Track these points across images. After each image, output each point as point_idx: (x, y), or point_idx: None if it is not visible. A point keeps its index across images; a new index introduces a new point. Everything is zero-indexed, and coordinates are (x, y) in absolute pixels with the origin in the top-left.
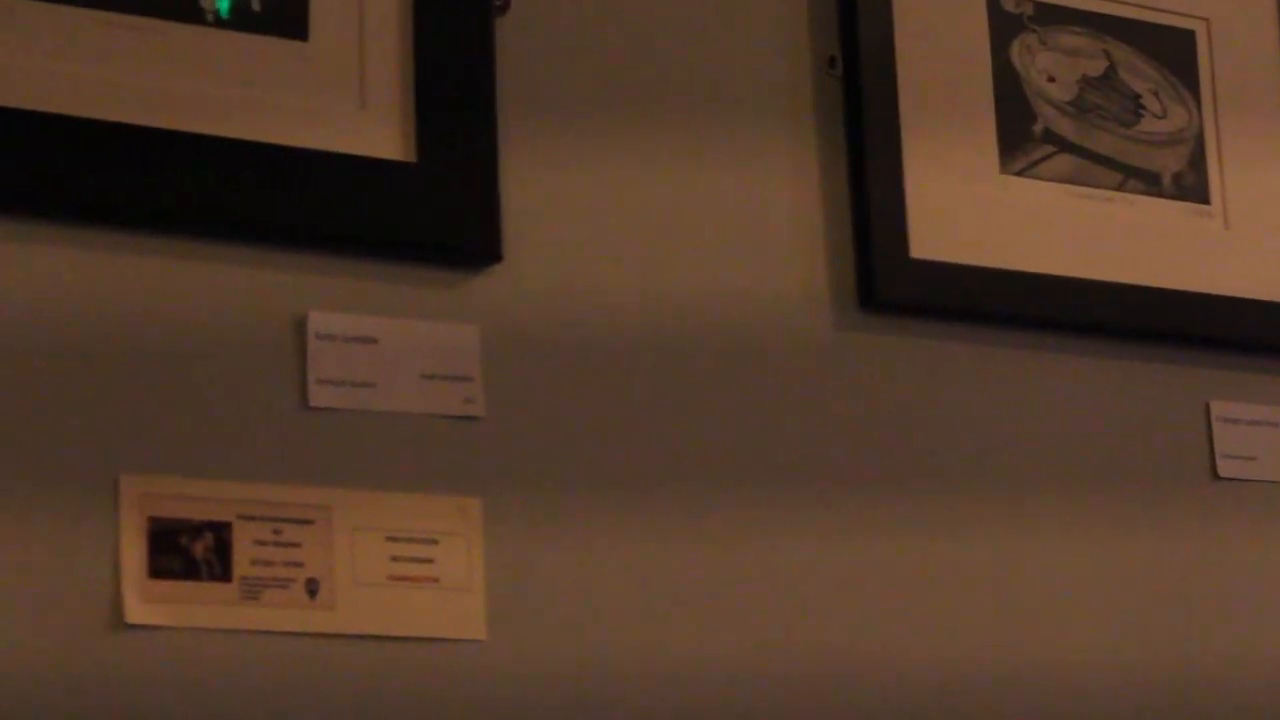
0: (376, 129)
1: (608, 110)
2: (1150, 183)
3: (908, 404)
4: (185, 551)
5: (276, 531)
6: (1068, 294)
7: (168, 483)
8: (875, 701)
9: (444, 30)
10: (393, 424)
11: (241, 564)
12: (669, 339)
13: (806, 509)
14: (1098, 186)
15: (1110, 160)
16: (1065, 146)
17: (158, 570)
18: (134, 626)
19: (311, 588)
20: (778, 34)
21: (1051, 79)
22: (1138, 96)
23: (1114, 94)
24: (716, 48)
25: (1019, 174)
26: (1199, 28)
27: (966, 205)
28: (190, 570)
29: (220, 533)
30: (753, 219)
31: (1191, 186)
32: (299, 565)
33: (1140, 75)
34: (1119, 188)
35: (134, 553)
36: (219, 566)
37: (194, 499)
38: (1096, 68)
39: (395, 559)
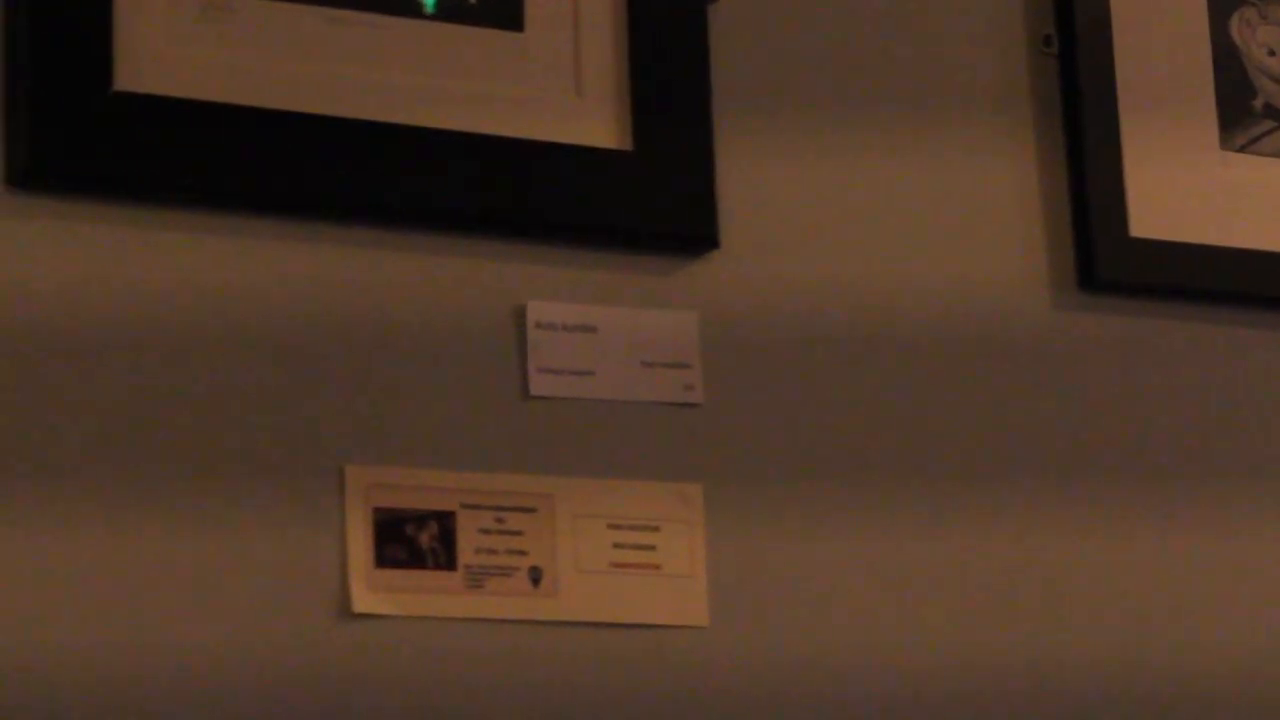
0: (592, 118)
1: (821, 95)
2: None
3: (1129, 384)
4: (411, 541)
5: (500, 520)
6: None
7: (392, 473)
8: (1117, 696)
9: (658, 18)
10: (612, 412)
11: (466, 553)
12: (886, 323)
13: (1032, 496)
14: None
15: None
16: None
17: (384, 560)
18: (361, 616)
19: (534, 575)
20: (992, 14)
21: (1272, 53)
22: None
23: None
24: (929, 29)
25: (1239, 150)
26: None
27: (1186, 183)
28: (416, 559)
29: (445, 522)
30: (969, 201)
31: None
32: (522, 553)
33: None
34: None
35: (360, 543)
36: (444, 555)
37: (418, 489)
38: None
39: (617, 546)
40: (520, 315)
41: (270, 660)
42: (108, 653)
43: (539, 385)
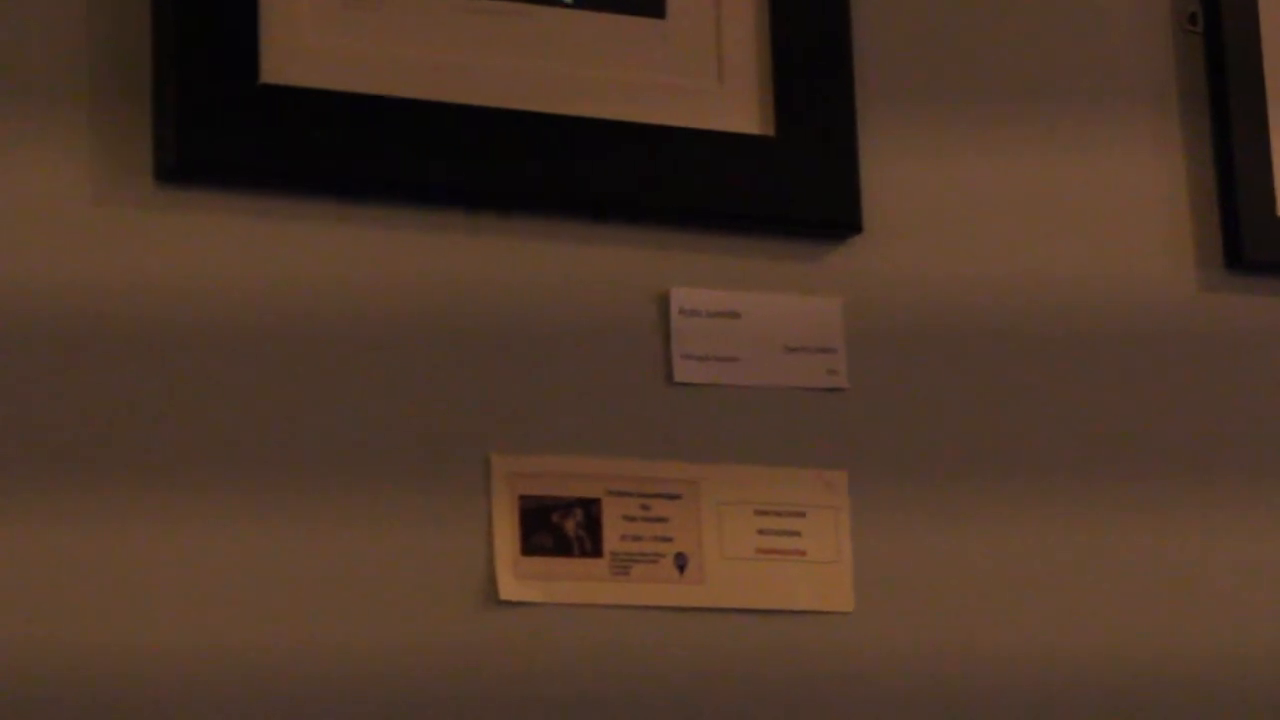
0: (735, 104)
1: (963, 77)
2: None
3: (1278, 364)
4: (557, 528)
5: (645, 507)
6: None
7: (538, 461)
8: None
9: (799, 3)
10: (757, 397)
11: (611, 540)
12: (1031, 308)
13: (1180, 485)
14: None
15: None
16: None
17: (530, 547)
18: (508, 604)
19: (680, 562)
20: None
21: None
22: None
23: None
24: (1072, 10)
25: None
26: None
27: None
28: (562, 547)
29: (590, 509)
30: (1113, 183)
31: None
32: (668, 540)
33: None
34: None
35: (507, 531)
36: (590, 542)
37: (564, 476)
38: None
39: (763, 532)
40: (664, 302)
41: (418, 648)
42: (258, 646)
43: (683, 371)
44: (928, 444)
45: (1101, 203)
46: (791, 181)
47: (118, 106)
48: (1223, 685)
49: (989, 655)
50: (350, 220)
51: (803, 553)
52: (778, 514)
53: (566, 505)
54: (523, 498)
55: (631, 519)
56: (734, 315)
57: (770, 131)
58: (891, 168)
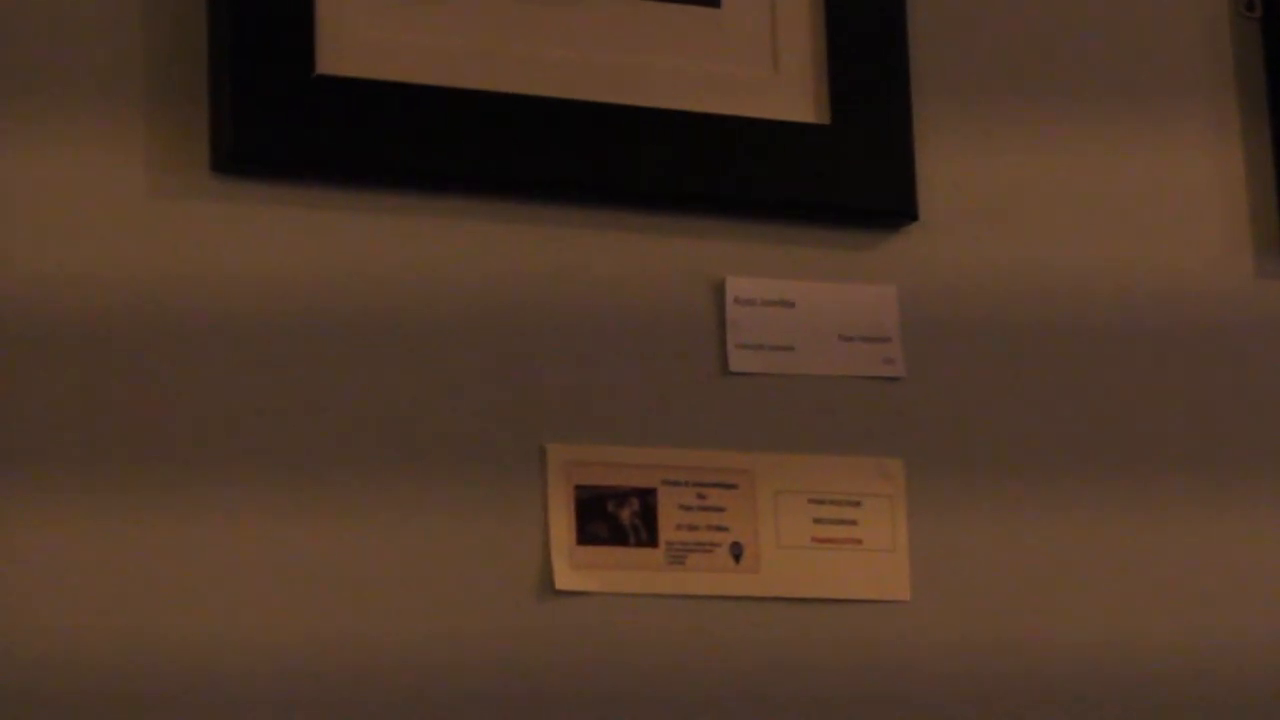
0: (789, 93)
1: (1019, 67)
2: None
3: None
4: (612, 518)
5: (701, 496)
6: None
7: (593, 451)
8: None
9: None
10: (812, 386)
11: (667, 529)
12: (1087, 296)
13: (1238, 478)
14: None
15: None
16: None
17: (586, 537)
18: (563, 593)
19: (736, 551)
20: None
21: None
22: None
23: None
24: None
25: None
26: None
27: None
28: (618, 536)
29: (646, 499)
30: (1171, 170)
31: None
32: (723, 529)
33: None
34: None
35: (562, 520)
36: (645, 532)
37: (619, 466)
38: None
39: (818, 521)
40: (719, 291)
41: (474, 638)
42: (316, 636)
43: (739, 361)
44: (984, 432)
45: (1158, 191)
46: (847, 170)
47: (174, 98)
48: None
49: (1045, 644)
50: (406, 211)
51: (859, 542)
52: (834, 503)
53: (622, 495)
54: (578, 487)
55: (687, 508)
56: (789, 304)
57: (825, 120)
58: (947, 156)
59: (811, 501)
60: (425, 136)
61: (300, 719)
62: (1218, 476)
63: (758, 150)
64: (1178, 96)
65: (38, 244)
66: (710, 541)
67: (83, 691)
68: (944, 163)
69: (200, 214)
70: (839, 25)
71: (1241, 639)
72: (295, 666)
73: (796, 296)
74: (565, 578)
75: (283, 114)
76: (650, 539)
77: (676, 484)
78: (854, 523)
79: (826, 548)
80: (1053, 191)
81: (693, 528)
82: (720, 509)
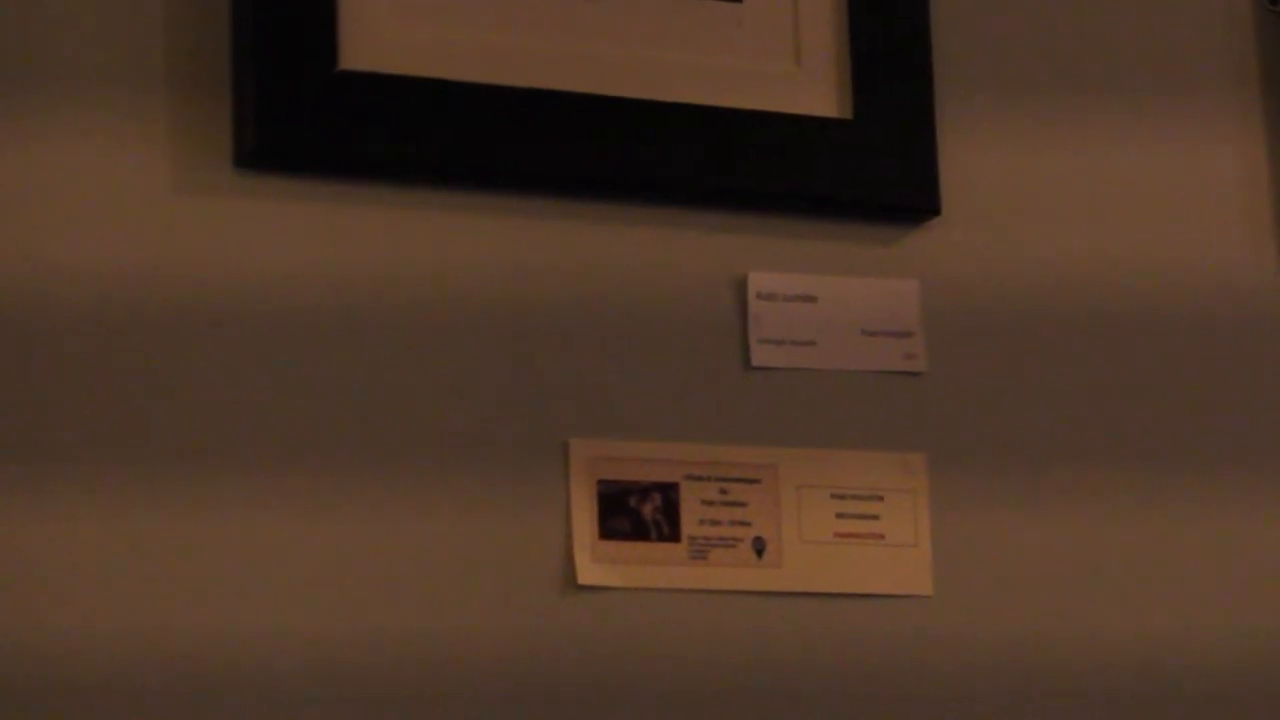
0: (812, 88)
1: (1042, 61)
2: None
3: None
4: (635, 513)
5: (723, 491)
6: None
7: (616, 446)
8: None
9: None
10: (835, 381)
11: (689, 524)
12: (1109, 292)
13: (1260, 471)
14: None
15: None
16: None
17: (608, 532)
18: (586, 588)
19: (758, 546)
20: None
21: None
22: None
23: None
24: None
25: None
26: None
27: None
28: (640, 531)
29: (668, 493)
30: (1195, 165)
31: None
32: (746, 524)
33: None
34: None
35: (585, 515)
36: (668, 527)
37: (642, 461)
38: None
39: (841, 516)
40: (741, 286)
41: (497, 633)
42: (338, 630)
43: (761, 356)
44: (1006, 427)
45: (1181, 186)
46: (869, 165)
47: (197, 93)
48: None
49: (1067, 639)
50: (428, 206)
51: (881, 536)
52: (856, 498)
53: (645, 490)
54: (601, 482)
55: (709, 503)
56: (811, 299)
57: (848, 115)
58: (969, 150)
59: (834, 496)
60: (448, 132)
61: (321, 714)
62: (1244, 471)
63: (780, 145)
64: (1202, 92)
65: (61, 239)
66: (733, 536)
67: (91, 687)
68: (966, 157)
69: (223, 209)
70: (861, 20)
71: (1273, 636)
72: (316, 662)
73: (819, 291)
74: (588, 573)
75: (306, 109)
76: (673, 534)
77: (699, 479)
78: (876, 517)
79: (849, 542)
80: (1075, 187)
81: (715, 523)
82: (742, 504)
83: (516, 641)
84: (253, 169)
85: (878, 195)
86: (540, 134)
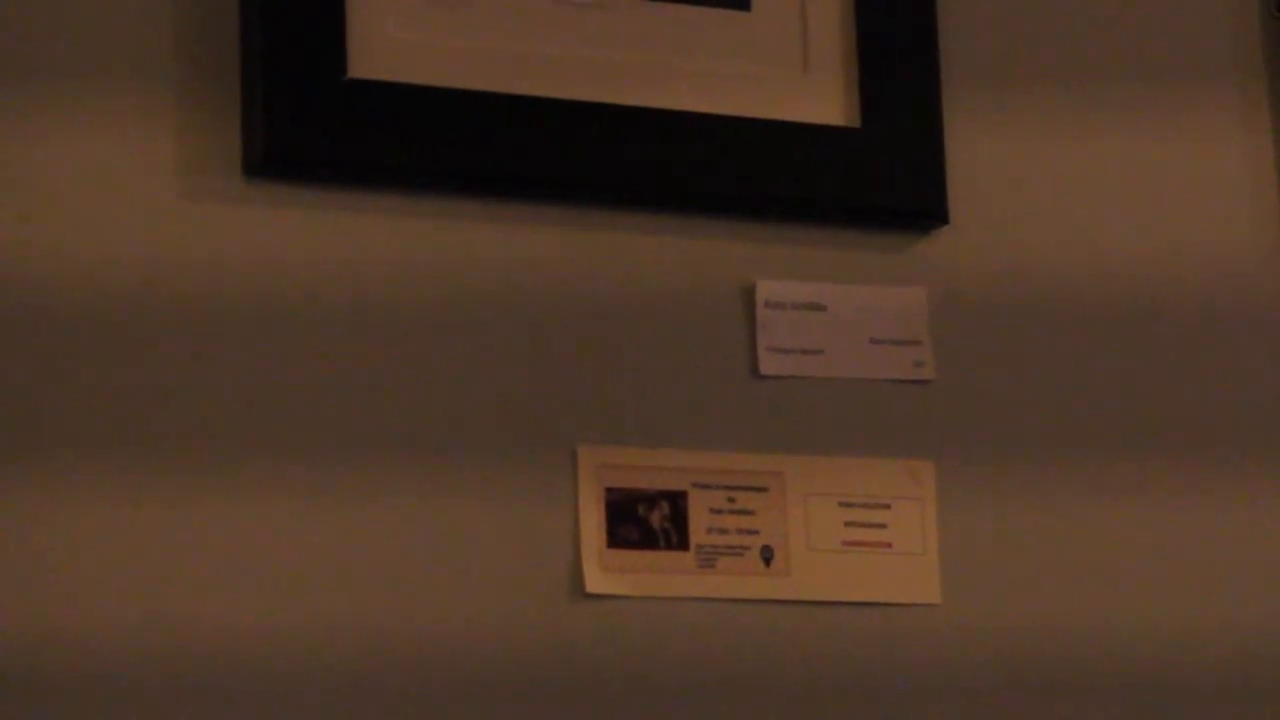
0: (820, 95)
1: (1050, 67)
2: None
3: None
4: (643, 521)
5: (731, 500)
6: None
7: (624, 454)
8: None
9: None
10: (843, 389)
11: (698, 532)
12: (1118, 297)
13: (1273, 467)
14: None
15: None
16: None
17: (616, 540)
18: (594, 596)
19: (766, 555)
20: None
21: None
22: None
23: None
24: None
25: None
26: None
27: None
28: (648, 539)
29: (676, 502)
30: (1202, 168)
31: None
32: (754, 533)
33: None
34: None
35: (593, 523)
36: (676, 535)
37: (650, 469)
38: None
39: (849, 524)
40: (749, 294)
41: (504, 640)
42: (346, 634)
43: (769, 364)
44: (1015, 435)
45: (1189, 189)
46: (877, 172)
47: (205, 101)
48: None
49: (1077, 647)
50: (436, 214)
51: (889, 544)
52: (864, 506)
53: (652, 498)
54: (609, 490)
55: (717, 511)
56: (819, 307)
57: (856, 122)
58: (978, 157)
59: (842, 504)
60: (456, 140)
61: (328, 719)
62: (1256, 471)
63: (788, 153)
64: (1209, 96)
65: (68, 245)
66: (740, 544)
67: (94, 680)
68: (975, 165)
69: (231, 217)
70: (869, 27)
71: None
72: (321, 669)
73: (827, 299)
74: (596, 580)
75: (314, 118)
76: (681, 542)
77: (707, 487)
78: (884, 525)
79: (857, 550)
80: (1084, 192)
81: (723, 531)
82: (750, 512)
83: (525, 649)
84: (261, 177)
85: (886, 203)
86: (549, 142)
